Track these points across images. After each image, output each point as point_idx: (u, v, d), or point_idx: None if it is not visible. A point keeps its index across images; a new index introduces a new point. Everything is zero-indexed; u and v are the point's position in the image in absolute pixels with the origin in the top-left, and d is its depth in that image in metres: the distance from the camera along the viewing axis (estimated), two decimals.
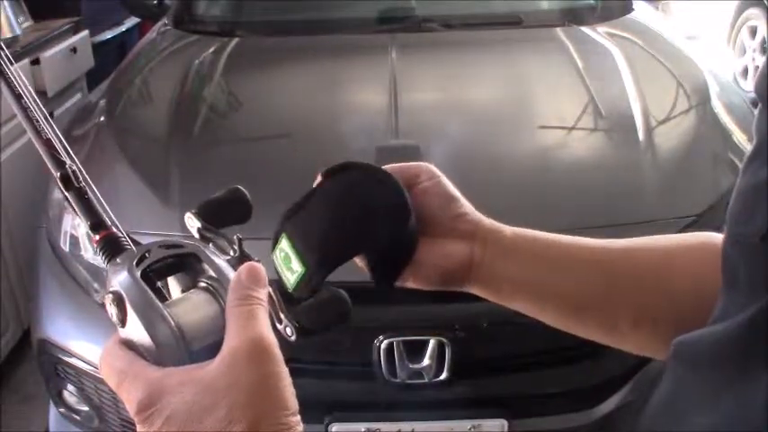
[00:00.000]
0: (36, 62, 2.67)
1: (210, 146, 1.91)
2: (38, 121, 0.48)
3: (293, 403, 0.42)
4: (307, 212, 0.56)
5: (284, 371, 0.42)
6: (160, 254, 0.46)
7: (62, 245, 1.71)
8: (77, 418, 1.72)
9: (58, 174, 0.46)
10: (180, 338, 0.42)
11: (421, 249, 0.58)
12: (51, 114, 2.77)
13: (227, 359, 0.40)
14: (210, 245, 0.49)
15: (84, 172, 0.47)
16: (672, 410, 0.42)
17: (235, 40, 2.37)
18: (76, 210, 0.46)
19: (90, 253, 1.65)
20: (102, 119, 2.03)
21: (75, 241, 1.69)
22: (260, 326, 0.42)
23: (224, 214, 0.52)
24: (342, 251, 0.56)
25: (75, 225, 1.68)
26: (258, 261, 0.47)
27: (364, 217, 0.56)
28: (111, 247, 0.46)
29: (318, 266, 0.54)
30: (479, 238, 0.60)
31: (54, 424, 1.80)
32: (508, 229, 0.61)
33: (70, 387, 1.68)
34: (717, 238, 0.59)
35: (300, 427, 0.42)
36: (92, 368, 1.59)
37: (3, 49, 0.48)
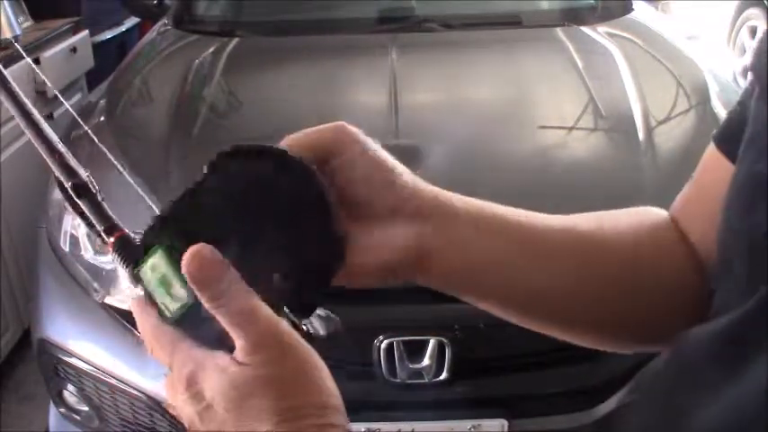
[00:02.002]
0: (36, 62, 2.67)
1: (210, 146, 1.91)
2: (47, 134, 0.48)
3: (331, 385, 0.41)
4: (190, 220, 0.44)
5: (312, 353, 0.41)
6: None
7: (62, 245, 1.71)
8: (77, 418, 1.72)
9: (70, 183, 0.47)
10: None
11: (353, 240, 0.47)
12: (51, 115, 2.77)
13: (251, 356, 0.39)
14: None
15: (93, 182, 0.48)
16: (672, 405, 0.42)
17: (235, 40, 2.37)
18: (91, 217, 0.47)
19: (90, 253, 1.66)
20: (102, 119, 2.03)
21: (75, 241, 1.69)
22: (262, 314, 0.40)
23: None
24: (246, 276, 0.42)
25: (75, 225, 1.68)
26: None
27: (266, 224, 0.43)
28: (127, 247, 0.47)
29: None
30: (424, 216, 0.48)
31: (54, 424, 1.80)
32: (458, 201, 0.51)
33: (70, 387, 1.68)
34: (655, 215, 0.57)
35: (342, 406, 0.41)
36: (92, 368, 1.59)
37: (3, 73, 0.49)
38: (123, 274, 0.46)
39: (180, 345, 0.42)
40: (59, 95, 2.64)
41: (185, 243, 0.41)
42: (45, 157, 0.47)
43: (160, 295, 0.42)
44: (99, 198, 0.47)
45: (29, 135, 0.48)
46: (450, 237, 0.49)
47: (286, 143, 0.49)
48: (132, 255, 0.45)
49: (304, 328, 0.44)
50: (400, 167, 0.50)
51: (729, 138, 0.48)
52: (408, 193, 0.48)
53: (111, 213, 0.47)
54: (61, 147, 0.48)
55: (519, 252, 0.51)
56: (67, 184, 0.47)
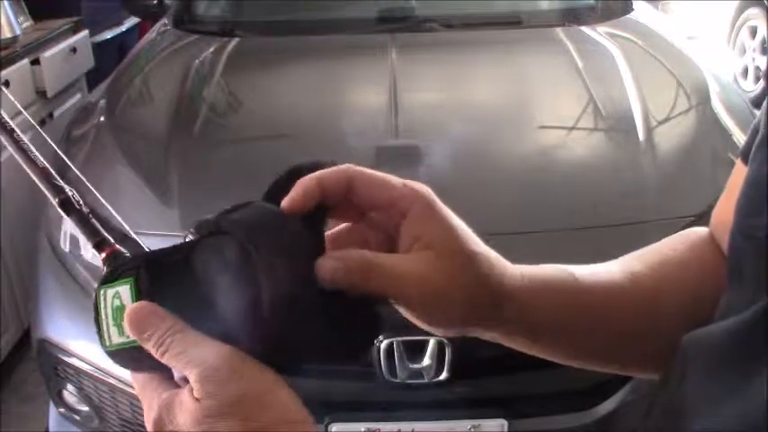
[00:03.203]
0: (36, 62, 2.67)
1: (210, 146, 1.91)
2: (31, 151, 0.48)
3: (292, 398, 0.41)
4: (170, 277, 0.42)
5: (265, 372, 0.41)
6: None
7: (62, 245, 1.71)
8: (77, 418, 1.72)
9: (57, 200, 0.47)
10: None
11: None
12: (51, 115, 2.77)
13: (202, 389, 0.39)
14: None
15: (77, 196, 0.48)
16: (678, 408, 0.42)
17: (235, 40, 2.37)
18: (79, 231, 0.47)
19: (90, 253, 1.66)
20: (102, 119, 2.03)
21: (75, 241, 1.69)
22: (205, 347, 0.40)
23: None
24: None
25: (74, 225, 1.68)
26: None
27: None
28: (118, 262, 0.47)
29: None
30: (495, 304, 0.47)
31: (54, 424, 1.80)
32: (519, 278, 0.48)
33: (70, 387, 1.68)
34: (698, 235, 0.57)
35: (309, 417, 0.42)
36: (92, 368, 1.59)
37: None
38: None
39: (147, 387, 0.43)
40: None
41: (156, 289, 0.41)
42: (31, 174, 0.48)
43: (110, 323, 0.43)
44: (86, 212, 0.47)
45: (13, 153, 0.48)
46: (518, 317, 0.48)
47: (337, 175, 0.44)
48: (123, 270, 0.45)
49: None
50: (478, 246, 0.46)
51: (748, 148, 0.48)
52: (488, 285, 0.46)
53: (100, 228, 0.47)
54: (45, 164, 0.48)
55: (577, 320, 0.50)
56: (54, 201, 0.47)
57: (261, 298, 0.39)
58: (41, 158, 0.48)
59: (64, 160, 0.50)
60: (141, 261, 0.43)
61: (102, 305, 0.43)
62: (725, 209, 0.54)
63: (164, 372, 0.43)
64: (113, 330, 0.43)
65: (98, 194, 0.52)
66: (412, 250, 0.44)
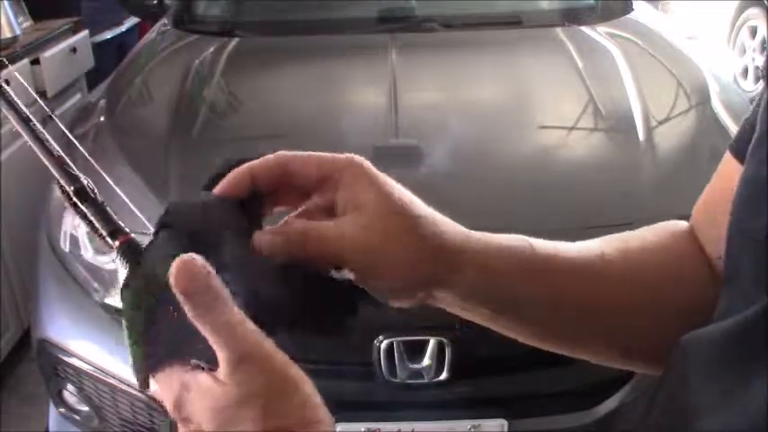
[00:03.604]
0: (36, 62, 2.67)
1: (210, 146, 1.91)
2: (47, 140, 0.48)
3: (316, 398, 0.41)
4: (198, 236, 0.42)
5: (294, 367, 0.41)
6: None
7: (62, 245, 1.71)
8: (77, 418, 1.72)
9: (72, 188, 0.47)
10: None
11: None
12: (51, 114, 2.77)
13: (232, 374, 0.39)
14: None
15: (92, 185, 0.48)
16: (678, 409, 0.42)
17: (235, 40, 2.37)
18: (94, 221, 0.47)
19: (90, 253, 1.66)
20: (102, 119, 2.03)
21: (75, 241, 1.69)
22: (244, 330, 0.39)
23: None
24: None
25: (75, 225, 1.68)
26: None
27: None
28: (132, 250, 0.47)
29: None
30: (447, 268, 0.47)
31: (54, 424, 1.80)
32: (475, 243, 0.48)
33: (70, 387, 1.68)
34: (677, 229, 0.56)
35: (330, 417, 0.41)
36: (92, 368, 1.59)
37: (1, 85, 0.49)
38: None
39: (165, 367, 0.42)
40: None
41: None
42: (46, 162, 0.47)
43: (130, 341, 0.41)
44: (100, 202, 0.47)
45: (29, 141, 0.48)
46: (468, 285, 0.48)
47: (280, 158, 0.46)
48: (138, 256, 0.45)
49: None
50: (420, 209, 0.46)
51: (742, 143, 0.48)
52: (428, 242, 0.46)
53: (114, 217, 0.47)
54: (60, 152, 0.47)
55: (536, 289, 0.50)
56: (69, 189, 0.47)
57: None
58: (57, 147, 0.48)
59: (73, 154, 0.50)
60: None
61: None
62: (710, 201, 0.54)
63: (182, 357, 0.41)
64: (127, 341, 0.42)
65: (111, 181, 0.52)
66: (346, 213, 0.45)
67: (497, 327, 0.53)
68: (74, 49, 2.99)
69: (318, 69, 2.21)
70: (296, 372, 0.41)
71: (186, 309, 0.39)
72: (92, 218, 0.46)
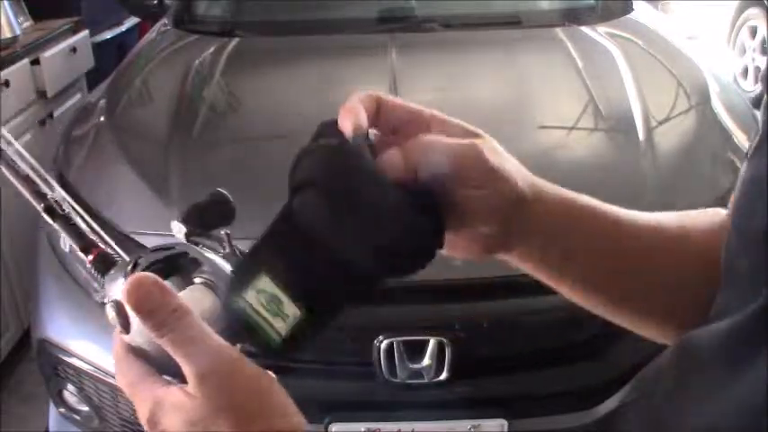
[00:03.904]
0: (36, 62, 2.67)
1: (210, 146, 1.91)
2: (12, 161, 0.48)
3: (288, 404, 0.41)
4: (292, 239, 0.44)
5: (263, 376, 0.41)
6: (152, 257, 0.47)
7: (62, 245, 1.69)
8: (77, 418, 1.72)
9: (42, 206, 0.47)
10: None
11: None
12: (51, 115, 2.77)
13: (199, 388, 0.39)
14: (200, 246, 0.50)
15: (68, 198, 0.48)
16: (673, 405, 0.42)
17: (235, 40, 2.37)
18: (66, 236, 0.48)
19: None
20: (102, 119, 2.03)
21: None
22: (208, 343, 0.40)
23: (209, 218, 0.52)
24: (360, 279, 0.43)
25: None
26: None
27: (378, 234, 0.43)
28: (104, 262, 0.47)
29: (327, 306, 0.43)
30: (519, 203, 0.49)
31: (54, 424, 1.80)
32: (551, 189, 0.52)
33: (70, 387, 1.68)
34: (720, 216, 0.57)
35: (304, 424, 0.41)
36: (92, 368, 1.59)
37: None
38: (107, 288, 0.47)
39: (141, 382, 0.42)
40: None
41: (284, 262, 0.42)
42: (14, 183, 0.48)
43: (269, 316, 0.42)
44: (71, 218, 0.47)
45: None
46: (540, 225, 0.50)
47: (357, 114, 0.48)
48: (110, 268, 0.46)
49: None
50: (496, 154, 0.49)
51: None
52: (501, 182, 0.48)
53: (86, 232, 0.47)
54: (28, 171, 0.48)
55: (605, 243, 0.52)
56: (39, 207, 0.47)
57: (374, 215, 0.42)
58: (24, 166, 0.48)
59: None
60: (247, 257, 0.44)
61: (251, 312, 0.42)
62: None
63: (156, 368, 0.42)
64: (276, 322, 0.42)
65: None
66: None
67: (558, 282, 0.54)
68: (74, 49, 2.99)
69: (318, 69, 2.21)
70: (267, 382, 0.41)
71: (146, 327, 0.40)
72: (63, 234, 0.47)
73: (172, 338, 0.39)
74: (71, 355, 1.62)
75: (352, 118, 0.47)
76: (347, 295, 0.44)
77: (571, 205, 0.52)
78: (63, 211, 0.48)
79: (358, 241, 0.42)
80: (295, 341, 0.42)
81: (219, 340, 0.40)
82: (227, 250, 0.48)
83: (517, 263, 0.52)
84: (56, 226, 0.47)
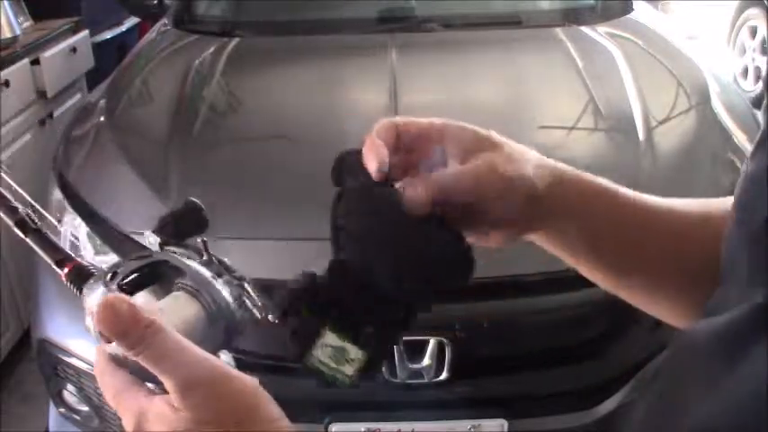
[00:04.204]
0: (36, 62, 2.67)
1: (210, 146, 1.91)
2: None
3: (274, 410, 0.41)
4: (346, 290, 0.48)
5: (247, 383, 0.41)
6: (131, 266, 0.47)
7: (62, 245, 1.70)
8: (77, 418, 1.72)
9: (13, 221, 0.47)
10: None
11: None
12: (51, 114, 2.77)
13: (182, 401, 0.39)
14: (179, 255, 0.49)
15: (40, 210, 0.49)
16: (671, 403, 0.42)
17: (235, 40, 2.37)
18: (39, 250, 0.48)
19: (90, 253, 1.66)
20: (102, 119, 2.03)
21: (74, 242, 1.69)
22: (186, 356, 0.40)
23: (183, 226, 0.52)
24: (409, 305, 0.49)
25: (75, 225, 1.68)
26: (212, 260, 0.46)
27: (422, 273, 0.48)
28: (81, 275, 0.47)
29: (385, 340, 0.49)
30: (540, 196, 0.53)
31: (54, 424, 1.80)
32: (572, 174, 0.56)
33: (70, 387, 1.68)
34: None
35: (290, 427, 0.41)
36: (92, 368, 1.58)
37: None
38: (86, 300, 0.47)
39: (125, 392, 0.42)
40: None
41: (337, 311, 0.47)
42: None
43: (335, 366, 0.47)
44: (44, 232, 0.47)
45: None
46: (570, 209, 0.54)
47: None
48: (87, 280, 0.46)
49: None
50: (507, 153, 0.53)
51: None
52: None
53: (59, 245, 0.47)
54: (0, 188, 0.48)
55: (631, 222, 0.55)
56: (11, 223, 0.47)
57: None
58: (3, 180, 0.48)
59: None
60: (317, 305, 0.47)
61: (321, 364, 0.47)
62: None
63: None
64: (344, 367, 0.47)
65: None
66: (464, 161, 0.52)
67: (578, 259, 0.56)
68: (74, 49, 2.99)
69: (318, 69, 2.21)
70: (251, 389, 0.41)
71: (122, 347, 0.40)
72: (36, 249, 0.47)
73: (148, 355, 0.40)
74: (71, 355, 1.62)
75: (375, 157, 0.50)
76: (401, 325, 0.49)
77: (588, 187, 0.56)
78: (35, 224, 0.47)
79: (407, 279, 0.47)
80: (365, 373, 0.48)
81: (198, 351, 0.40)
82: (205, 257, 0.49)
83: (544, 244, 0.56)
84: (28, 241, 0.47)
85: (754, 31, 4.91)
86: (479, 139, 0.53)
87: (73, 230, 1.69)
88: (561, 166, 0.57)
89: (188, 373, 0.39)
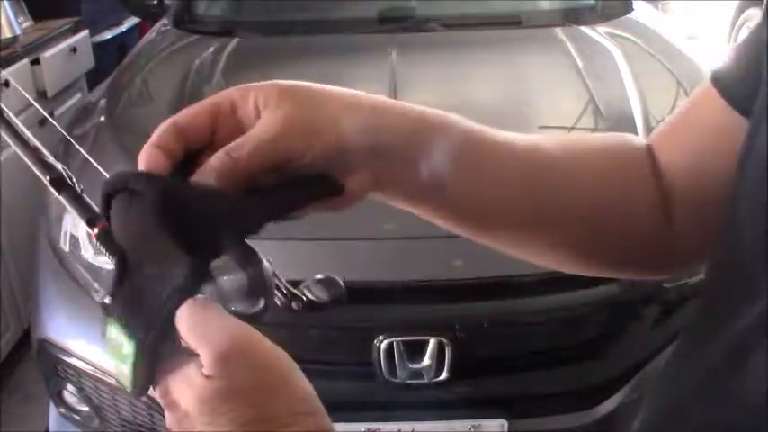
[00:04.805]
0: (36, 62, 2.67)
1: None
2: (22, 131, 0.48)
3: (306, 387, 0.41)
4: (122, 279, 0.44)
5: (282, 357, 0.40)
6: None
7: (62, 245, 1.71)
8: (77, 418, 1.72)
9: (48, 178, 0.47)
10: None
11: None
12: (51, 114, 2.77)
13: (217, 368, 0.39)
14: None
15: (70, 174, 0.48)
16: (674, 404, 0.42)
17: (235, 40, 2.37)
18: (71, 208, 0.47)
19: (90, 253, 1.66)
20: (102, 119, 2.03)
21: (74, 241, 1.69)
22: (218, 327, 0.39)
23: None
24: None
25: (75, 225, 1.68)
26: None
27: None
28: (111, 235, 0.47)
29: (153, 324, 0.41)
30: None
31: (54, 424, 1.80)
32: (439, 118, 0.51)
33: (70, 387, 1.68)
34: (631, 144, 0.56)
35: (321, 408, 0.41)
36: (92, 368, 1.59)
37: None
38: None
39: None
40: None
41: (120, 302, 0.43)
42: (21, 154, 0.48)
43: (118, 365, 0.42)
44: (78, 190, 0.47)
45: (3, 134, 0.48)
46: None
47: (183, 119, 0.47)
48: (112, 243, 0.45)
49: (304, 297, 0.45)
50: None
51: (733, 84, 0.48)
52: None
53: (93, 205, 0.47)
54: (36, 143, 0.48)
55: (478, 170, 0.52)
56: (45, 180, 0.47)
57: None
58: (33, 138, 0.48)
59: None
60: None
61: (112, 364, 0.43)
62: (677, 128, 0.54)
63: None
64: (123, 368, 0.41)
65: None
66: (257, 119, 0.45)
67: (432, 215, 0.53)
68: (74, 49, 2.99)
69: (318, 70, 2.21)
70: (287, 363, 0.40)
71: None
72: (68, 206, 0.47)
73: (185, 324, 0.39)
74: (71, 354, 1.62)
75: (148, 167, 0.47)
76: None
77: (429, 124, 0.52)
78: (72, 182, 0.47)
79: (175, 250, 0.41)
80: (144, 379, 0.41)
81: (236, 322, 0.40)
82: None
83: (390, 198, 0.51)
84: (62, 199, 0.47)
85: None
86: (271, 96, 0.46)
87: (73, 230, 1.69)
88: (385, 104, 0.52)
89: (222, 343, 0.38)
